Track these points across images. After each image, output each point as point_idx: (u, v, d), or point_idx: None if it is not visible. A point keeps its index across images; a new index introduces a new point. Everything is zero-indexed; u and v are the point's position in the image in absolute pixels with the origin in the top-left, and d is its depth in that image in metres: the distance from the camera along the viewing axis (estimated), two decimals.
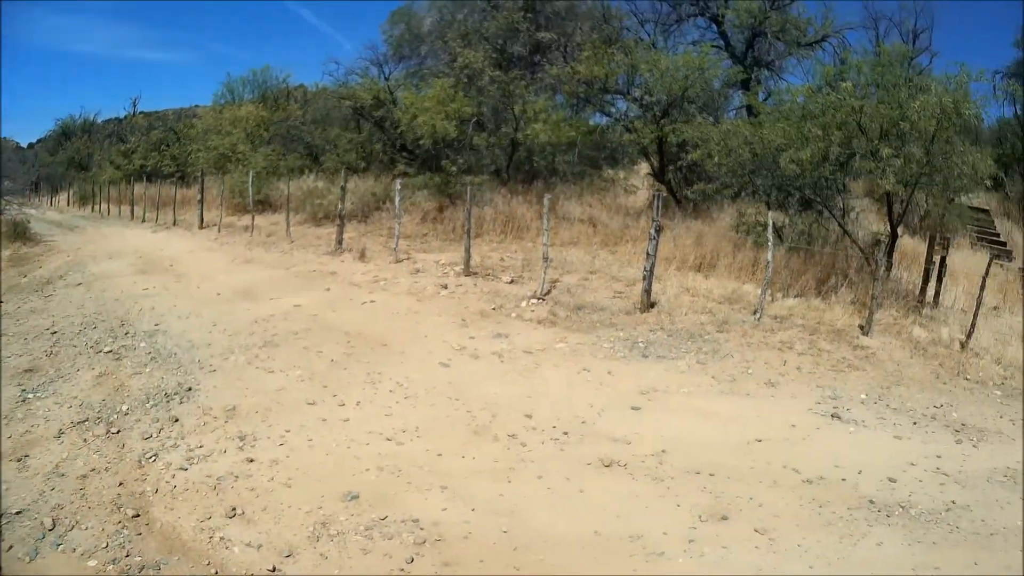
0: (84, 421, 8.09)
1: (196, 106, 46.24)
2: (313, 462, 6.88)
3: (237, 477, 6.64)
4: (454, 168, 18.81)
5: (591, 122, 22.70)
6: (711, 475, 6.47)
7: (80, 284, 15.20)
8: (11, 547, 6.02)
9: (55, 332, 11.48)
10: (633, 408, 7.94)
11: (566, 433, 7.35)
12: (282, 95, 32.94)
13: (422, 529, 5.76)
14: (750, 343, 9.98)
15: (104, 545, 5.89)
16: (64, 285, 15.36)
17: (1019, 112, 28.91)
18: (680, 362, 9.25)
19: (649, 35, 25.29)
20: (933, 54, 27.87)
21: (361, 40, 56.19)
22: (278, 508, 6.13)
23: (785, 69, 24.13)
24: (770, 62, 24.01)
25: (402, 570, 5.30)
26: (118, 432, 7.75)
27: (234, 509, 6.15)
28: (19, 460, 7.51)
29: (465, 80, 20.74)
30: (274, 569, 5.37)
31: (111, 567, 5.60)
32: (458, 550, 5.50)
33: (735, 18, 23.17)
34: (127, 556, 5.72)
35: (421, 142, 19.33)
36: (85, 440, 7.65)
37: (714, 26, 24.35)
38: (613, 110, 21.82)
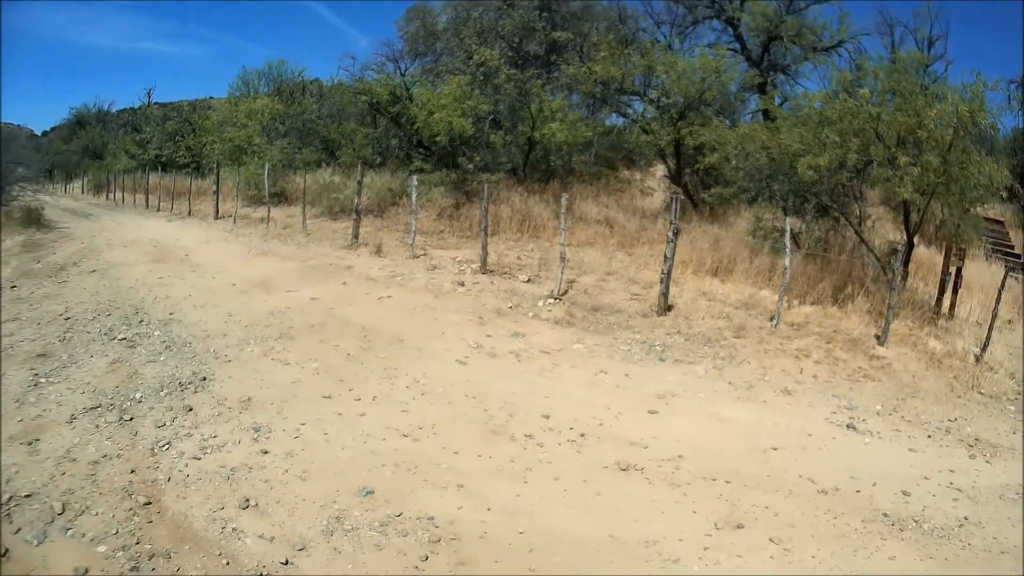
0: (97, 407, 8.09)
1: (211, 98, 46.35)
2: (329, 456, 6.86)
3: (251, 468, 6.63)
4: (471, 165, 18.75)
5: (608, 123, 22.68)
6: (727, 482, 6.44)
7: (94, 271, 15.21)
8: (19, 529, 6.03)
9: (69, 318, 11.47)
10: (650, 412, 7.91)
11: (583, 435, 7.31)
12: (298, 89, 32.91)
13: (437, 527, 5.74)
14: (767, 350, 9.92)
15: (114, 531, 5.90)
16: (78, 272, 15.36)
17: None
18: (697, 367, 9.21)
19: (665, 37, 25.17)
20: (948, 62, 27.53)
21: (377, 36, 56.28)
22: (292, 501, 6.13)
23: (801, 74, 23.88)
24: (786, 66, 23.83)
25: (416, 568, 5.28)
26: (131, 419, 7.75)
27: (247, 500, 6.15)
28: (30, 444, 7.50)
29: (481, 78, 20.72)
30: (287, 562, 5.37)
31: (120, 553, 5.62)
32: (473, 549, 5.48)
33: (750, 21, 22.98)
34: (137, 543, 5.74)
35: (437, 139, 19.23)
36: (97, 426, 7.66)
37: (730, 29, 24.19)
38: (630, 111, 21.80)
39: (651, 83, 20.00)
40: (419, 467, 6.67)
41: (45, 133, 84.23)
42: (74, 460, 7.03)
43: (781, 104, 20.04)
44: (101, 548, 5.72)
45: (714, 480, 6.46)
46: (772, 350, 9.91)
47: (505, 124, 20.80)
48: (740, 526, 5.76)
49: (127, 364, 9.30)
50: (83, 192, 47.26)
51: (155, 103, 61.82)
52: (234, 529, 5.79)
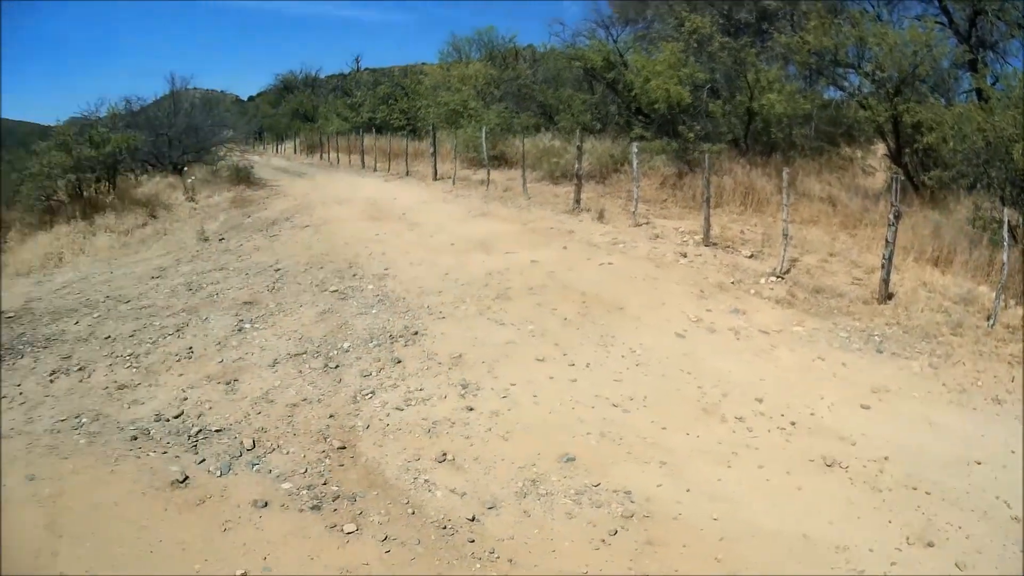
0: (302, 354, 8.51)
1: (423, 63, 47.35)
2: (534, 419, 6.90)
3: (454, 424, 6.77)
4: (691, 135, 18.24)
5: (825, 96, 21.73)
6: (927, 493, 5.99)
7: (308, 226, 15.91)
8: (203, 460, 6.45)
9: (279, 269, 12.10)
10: (863, 407, 7.48)
11: (793, 423, 7.04)
12: (510, 55, 33.18)
13: (633, 503, 5.67)
14: (982, 352, 9.15)
15: (303, 471, 6.18)
16: (290, 227, 16.11)
17: None
18: (913, 363, 8.65)
19: (873, 7, 23.80)
20: None
21: (584, 1, 56.30)
22: (490, 459, 6.21)
23: (1009, 52, 22.14)
24: (994, 43, 22.08)
25: (603, 542, 5.23)
26: (336, 367, 8.09)
27: (445, 454, 6.28)
28: (228, 384, 8.00)
29: (695, 45, 20.19)
30: (473, 518, 5.43)
31: (304, 492, 5.88)
32: (664, 530, 5.38)
33: None
34: (324, 484, 5.99)
35: (656, 106, 18.87)
36: (300, 371, 8.05)
37: (936, 1, 22.64)
38: (846, 84, 20.77)
39: (864, 55, 18.98)
40: (624, 439, 6.61)
41: (251, 98, 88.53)
42: (271, 401, 7.44)
43: (993, 84, 18.60)
44: (286, 485, 6.00)
45: (915, 489, 6.02)
46: (987, 352, 9.12)
47: (723, 93, 20.23)
48: (930, 544, 5.33)
49: (337, 315, 9.71)
50: (295, 152, 49.29)
51: (364, 68, 63.74)
52: (426, 481, 5.93)
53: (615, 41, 23.99)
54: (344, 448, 6.49)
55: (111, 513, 5.88)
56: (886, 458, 6.44)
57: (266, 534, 5.40)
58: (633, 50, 22.43)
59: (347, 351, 8.52)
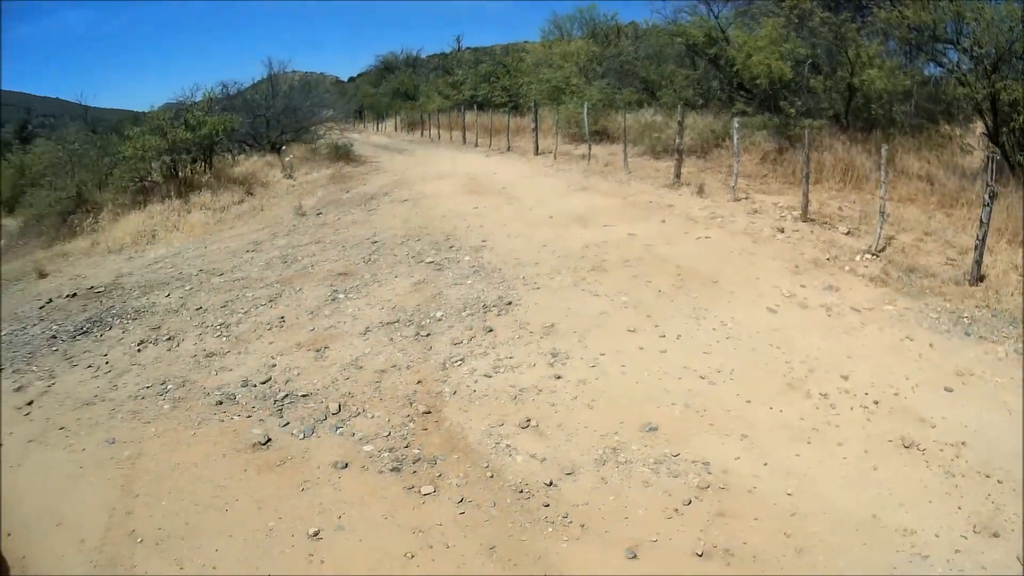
0: (394, 322, 8.73)
1: (525, 42, 47.43)
2: (621, 388, 6.93)
3: (540, 391, 6.85)
4: (792, 110, 17.88)
5: (925, 72, 21.10)
6: (999, 482, 5.78)
7: (406, 200, 16.15)
8: (287, 424, 6.70)
9: (375, 242, 12.33)
10: (946, 389, 7.24)
11: (876, 402, 6.87)
12: (612, 32, 32.99)
13: (710, 474, 5.67)
14: None
15: (386, 434, 6.38)
16: (389, 201, 16.39)
17: None
18: (999, 347, 8.33)
19: None
20: None
21: None
22: (573, 427, 6.27)
23: None
24: None
25: (676, 511, 5.26)
26: (428, 335, 8.29)
27: (528, 420, 6.37)
28: (317, 351, 8.26)
29: (795, 21, 19.81)
30: (551, 483, 5.52)
31: (386, 454, 6.07)
32: (737, 503, 5.38)
33: None
34: (406, 447, 6.16)
35: (758, 81, 18.56)
36: (391, 339, 8.25)
37: None
38: (945, 60, 20.12)
39: (962, 31, 18.32)
40: (708, 410, 6.59)
41: (351, 79, 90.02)
42: (360, 368, 7.63)
43: None
44: (367, 447, 6.19)
45: (988, 477, 5.83)
46: None
47: (824, 69, 19.80)
48: (996, 535, 5.16)
49: (432, 285, 9.88)
50: (395, 130, 49.84)
51: (465, 48, 64.10)
52: (508, 446, 6.04)
53: (716, 17, 23.53)
54: (429, 413, 6.63)
55: (190, 474, 6.17)
56: (963, 443, 6.26)
57: (343, 494, 5.59)
58: (735, 26, 22.00)
59: (439, 320, 8.67)
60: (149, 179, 21.56)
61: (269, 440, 6.44)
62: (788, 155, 17.20)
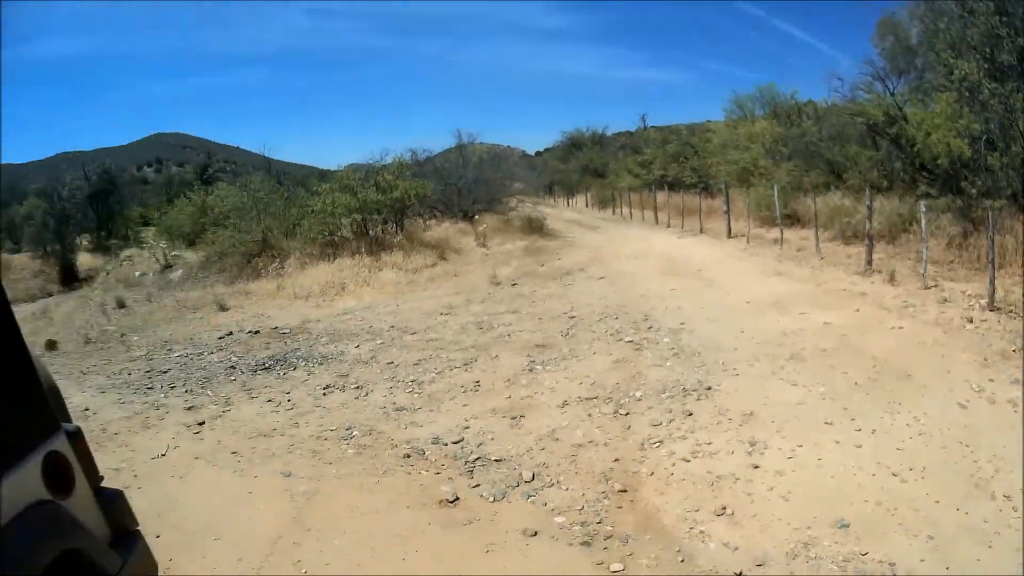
0: (593, 398, 8.62)
1: (708, 121, 47.54)
2: (816, 481, 6.52)
3: (737, 480, 6.53)
4: (974, 191, 17.10)
5: None
6: None
7: (602, 278, 16.27)
8: (478, 485, 6.60)
9: (573, 317, 12.41)
10: None
11: None
12: (793, 111, 32.63)
13: None
14: None
15: (579, 508, 6.15)
16: (585, 277, 16.55)
17: None
18: None
19: None
20: None
21: (855, 53, 54.75)
22: (767, 518, 5.91)
23: None
24: None
25: None
26: (627, 414, 8.11)
27: (724, 508, 6.05)
28: (513, 418, 8.20)
29: (966, 94, 19.00)
30: (739, 574, 5.18)
31: (577, 528, 5.85)
32: None
33: None
34: (598, 523, 5.94)
35: (939, 161, 17.80)
36: (590, 415, 8.14)
37: None
38: None
39: None
40: (898, 510, 6.07)
41: (538, 153, 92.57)
42: (557, 440, 7.53)
43: None
44: (559, 519, 6.00)
45: None
46: None
47: (999, 144, 18.86)
48: None
49: (631, 364, 9.77)
50: (586, 206, 50.54)
51: (650, 126, 64.69)
52: (701, 532, 5.72)
53: (892, 94, 22.92)
54: (625, 491, 6.42)
55: (369, 520, 6.14)
56: None
57: (529, 562, 5.40)
58: (910, 102, 21.54)
59: (639, 400, 8.51)
60: (339, 234, 22.47)
61: (457, 499, 6.36)
62: (972, 239, 16.30)
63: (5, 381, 3.45)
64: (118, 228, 40.98)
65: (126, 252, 33.17)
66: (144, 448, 8.48)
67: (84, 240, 39.98)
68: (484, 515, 6.10)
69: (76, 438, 3.80)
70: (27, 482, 3.36)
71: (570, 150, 72.79)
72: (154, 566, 4.25)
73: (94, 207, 40.10)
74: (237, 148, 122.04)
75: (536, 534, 5.74)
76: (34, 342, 17.81)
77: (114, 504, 3.98)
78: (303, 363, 11.01)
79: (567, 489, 6.50)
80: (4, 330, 3.49)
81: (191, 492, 7.10)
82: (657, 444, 7.32)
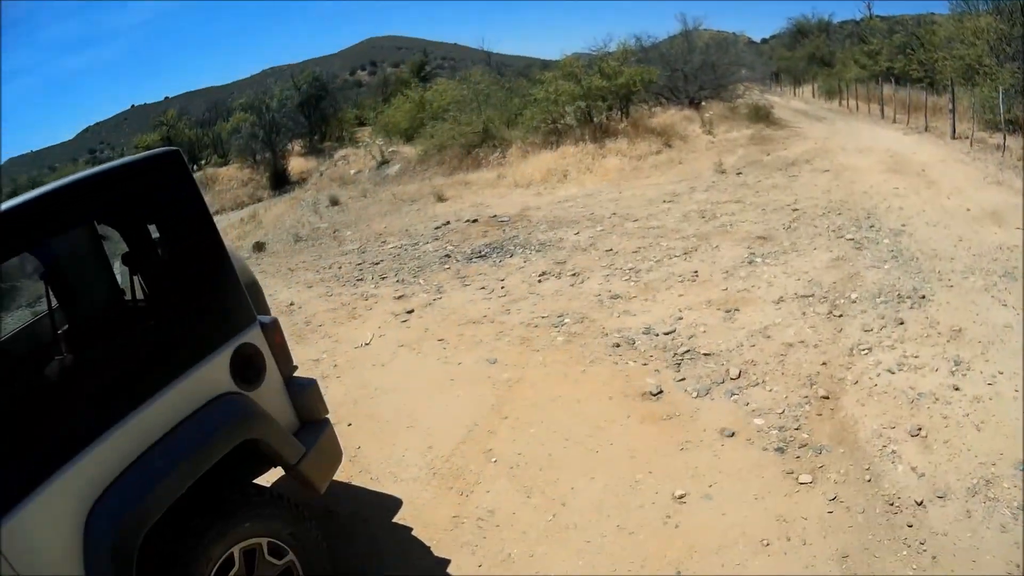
0: (809, 296, 8.34)
1: (932, 13, 43.84)
2: (1009, 414, 5.96)
3: (936, 400, 6.16)
4: None
5: None
6: None
7: (827, 171, 15.51)
8: (683, 379, 6.59)
9: (796, 210, 11.94)
10: None
11: None
12: (1016, 7, 29.65)
13: None
14: None
15: (780, 411, 6.06)
16: (810, 169, 15.84)
17: None
18: None
19: None
20: None
21: None
22: (958, 446, 5.57)
23: None
24: None
25: (1018, 566, 4.51)
26: (840, 316, 7.79)
27: (919, 429, 5.76)
28: (727, 311, 8.07)
29: None
30: (920, 503, 4.96)
31: (775, 432, 5.78)
32: None
33: None
34: (796, 429, 5.83)
35: None
36: (804, 313, 7.89)
37: None
38: None
39: None
40: None
41: (764, 41, 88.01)
42: (768, 337, 7.38)
43: None
44: (758, 420, 5.95)
45: None
46: None
47: None
48: None
49: (849, 264, 9.35)
50: (813, 96, 48.13)
51: (876, 16, 60.47)
52: (893, 452, 5.52)
53: None
54: (827, 398, 6.23)
55: (569, 409, 6.30)
56: None
57: (721, 463, 5.42)
58: None
59: (854, 302, 8.15)
60: (562, 122, 22.36)
61: (661, 392, 6.41)
62: None
63: (201, 280, 3.80)
64: (331, 131, 42.36)
65: (340, 152, 34.19)
66: (348, 338, 8.97)
67: (296, 145, 41.35)
68: (685, 411, 6.14)
69: (271, 329, 4.10)
70: (216, 374, 3.77)
71: (796, 38, 68.94)
72: (338, 455, 4.49)
73: (305, 113, 41.41)
74: (454, 45, 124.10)
75: (733, 435, 5.74)
76: (240, 245, 18.93)
77: (304, 394, 4.28)
78: (520, 250, 11.20)
79: (771, 390, 6.40)
80: (203, 234, 3.86)
81: (390, 380, 7.47)
82: (866, 351, 7.00)
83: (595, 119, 22.48)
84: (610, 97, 22.70)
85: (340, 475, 5.60)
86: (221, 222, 24.38)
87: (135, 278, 4.47)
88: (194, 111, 51.64)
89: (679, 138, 21.43)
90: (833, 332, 7.43)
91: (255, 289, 4.52)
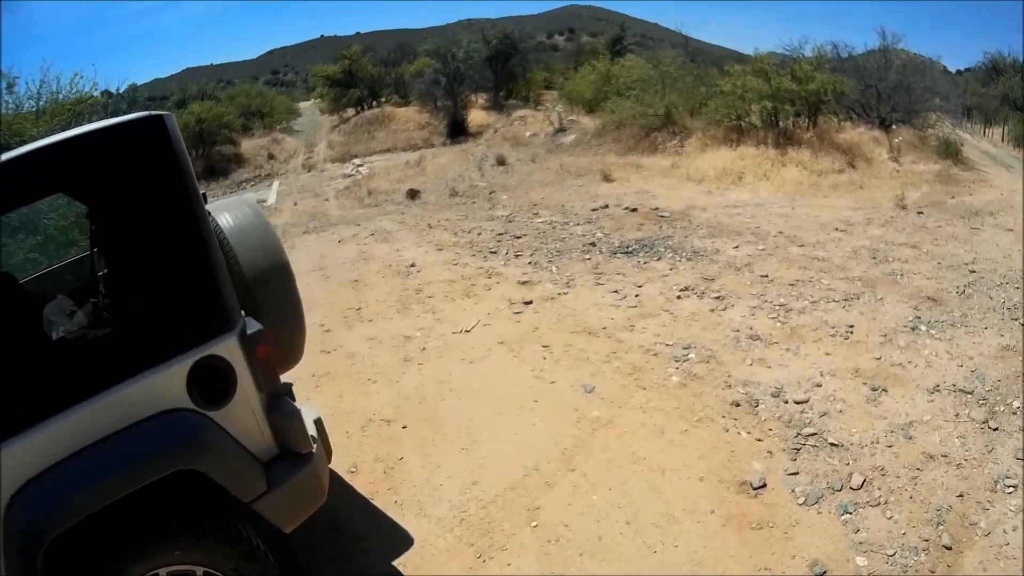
0: (968, 393, 6.15)
1: None
2: None
3: None
4: None
5: None
6: None
7: (1010, 230, 12.65)
8: (795, 474, 5.10)
9: (973, 271, 9.43)
10: None
11: None
12: None
13: None
14: None
15: (890, 552, 4.40)
16: (993, 223, 13.03)
17: None
18: None
19: None
20: None
21: None
22: None
23: None
24: None
25: None
26: (995, 430, 5.59)
27: None
28: (874, 389, 6.15)
29: None
30: None
31: None
32: None
33: None
34: None
35: None
36: (957, 415, 5.80)
37: None
38: None
39: None
40: None
41: (959, 72, 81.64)
42: (910, 439, 5.48)
43: None
44: (860, 560, 4.32)
45: None
46: None
47: None
48: None
49: (1019, 358, 6.84)
50: (1002, 140, 44.15)
51: None
52: None
53: None
54: (949, 549, 4.40)
55: (649, 479, 5.04)
56: None
57: None
58: None
59: (1014, 413, 5.85)
60: (746, 120, 20.65)
61: (763, 486, 4.88)
62: None
63: (162, 274, 3.14)
64: (518, 89, 40.81)
65: (519, 112, 32.77)
66: (451, 319, 7.98)
67: (480, 98, 39.86)
68: (782, 522, 4.59)
69: (254, 340, 3.36)
70: (165, 386, 3.13)
71: (991, 74, 63.38)
72: (316, 496, 3.67)
73: (492, 68, 39.97)
74: (654, 24, 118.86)
75: (824, 574, 4.20)
76: (397, 189, 18.77)
77: (284, 423, 3.55)
78: (670, 254, 9.80)
79: (891, 518, 4.63)
80: (177, 220, 3.15)
81: (471, 382, 6.43)
82: (1011, 490, 4.89)
83: (780, 123, 20.56)
84: (798, 102, 20.73)
85: (366, 486, 5.09)
86: (388, 161, 24.04)
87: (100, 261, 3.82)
88: (381, 50, 51.77)
89: (864, 160, 19.17)
90: (982, 451, 5.34)
91: (276, 277, 3.76)
